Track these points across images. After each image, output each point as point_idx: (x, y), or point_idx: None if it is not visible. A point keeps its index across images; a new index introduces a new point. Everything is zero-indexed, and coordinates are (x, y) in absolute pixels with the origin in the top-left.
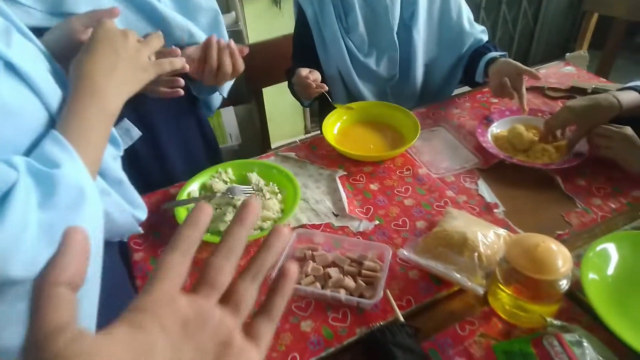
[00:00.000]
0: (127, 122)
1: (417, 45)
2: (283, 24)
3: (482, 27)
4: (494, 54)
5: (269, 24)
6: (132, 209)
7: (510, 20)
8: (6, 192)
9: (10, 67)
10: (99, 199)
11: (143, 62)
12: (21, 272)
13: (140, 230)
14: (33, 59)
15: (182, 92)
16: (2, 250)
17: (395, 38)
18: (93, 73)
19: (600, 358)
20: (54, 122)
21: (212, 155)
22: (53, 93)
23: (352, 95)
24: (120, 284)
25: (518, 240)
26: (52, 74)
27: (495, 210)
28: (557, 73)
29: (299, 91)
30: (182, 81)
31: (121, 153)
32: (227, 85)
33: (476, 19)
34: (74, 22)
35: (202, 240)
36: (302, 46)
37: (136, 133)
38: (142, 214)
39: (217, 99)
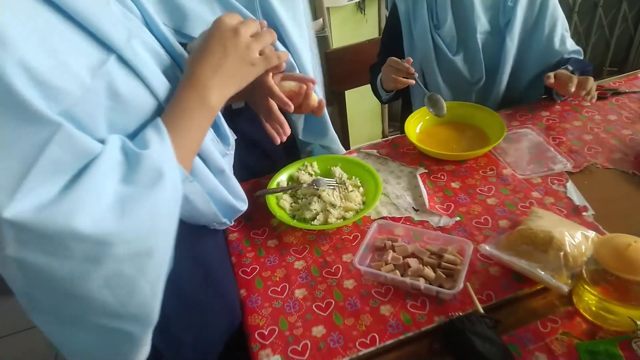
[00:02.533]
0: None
1: (509, 52)
2: (367, 30)
3: (577, 48)
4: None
5: (353, 30)
6: (233, 199)
7: (606, 24)
8: (90, 161)
9: (123, 61)
10: (178, 184)
11: (252, 57)
12: (86, 228)
13: (225, 221)
14: (149, 56)
15: (278, 140)
16: (72, 205)
17: (479, 41)
18: (199, 69)
19: None
20: (162, 110)
21: (292, 151)
22: (162, 86)
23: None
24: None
25: (607, 239)
26: (169, 70)
27: (584, 213)
28: None
29: (386, 79)
30: (287, 129)
31: (228, 151)
32: None
33: (569, 24)
34: None
35: (287, 224)
36: (389, 43)
37: (231, 137)
38: (243, 205)
39: None
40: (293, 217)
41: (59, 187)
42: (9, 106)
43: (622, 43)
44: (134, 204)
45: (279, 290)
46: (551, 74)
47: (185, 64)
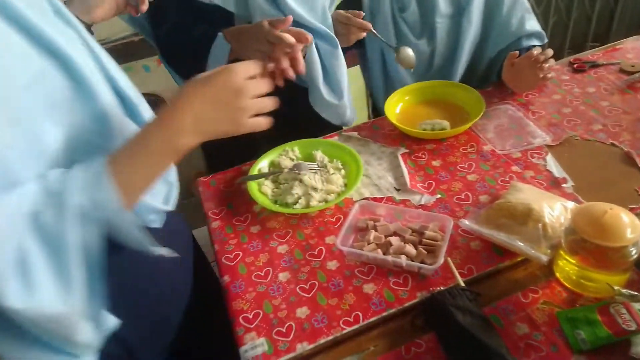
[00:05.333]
0: None
1: (465, 34)
2: None
3: (537, 30)
4: None
5: None
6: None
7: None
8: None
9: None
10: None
11: (242, 121)
12: None
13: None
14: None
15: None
16: None
17: (439, 24)
18: (179, 115)
19: None
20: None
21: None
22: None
23: (391, 85)
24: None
25: (584, 208)
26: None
27: (563, 185)
28: (636, 48)
29: (337, 33)
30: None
31: None
32: None
33: (548, 1)
34: None
35: (269, 210)
36: None
37: None
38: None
39: None
40: (275, 202)
41: None
42: None
43: (603, 18)
44: None
45: (262, 274)
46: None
47: (175, 93)
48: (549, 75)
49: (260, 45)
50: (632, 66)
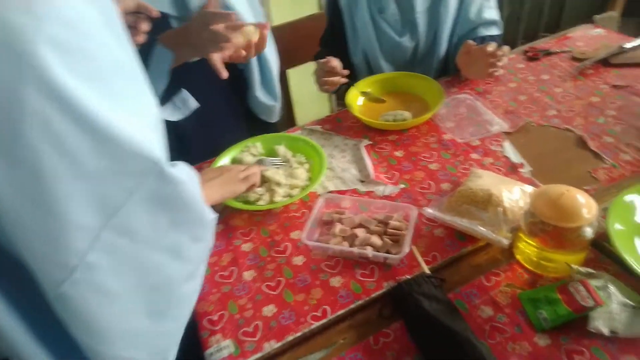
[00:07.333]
0: (185, 93)
1: (444, 21)
2: (307, 5)
3: (494, 19)
4: None
5: (293, 6)
6: None
7: None
8: None
9: None
10: None
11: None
12: None
13: None
14: None
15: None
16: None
17: (420, 18)
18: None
19: (627, 301)
20: None
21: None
22: None
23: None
24: None
25: (542, 191)
26: None
27: (520, 170)
28: (585, 36)
29: (321, 83)
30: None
31: None
32: None
33: None
34: None
35: (232, 207)
36: (332, 32)
37: (193, 103)
38: None
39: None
40: (238, 199)
41: None
42: None
43: (553, 9)
44: None
45: (226, 274)
46: (471, 43)
47: None
48: (497, 73)
49: (214, 35)
50: (583, 53)
